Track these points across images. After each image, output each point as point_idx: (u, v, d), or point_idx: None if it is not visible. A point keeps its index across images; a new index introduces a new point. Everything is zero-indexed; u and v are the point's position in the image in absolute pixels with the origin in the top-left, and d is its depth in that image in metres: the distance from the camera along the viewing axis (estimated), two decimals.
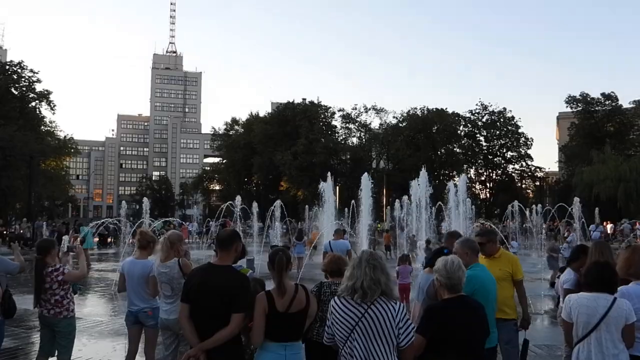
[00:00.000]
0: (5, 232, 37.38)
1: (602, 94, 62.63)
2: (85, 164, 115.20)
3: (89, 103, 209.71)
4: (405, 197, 28.05)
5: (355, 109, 70.02)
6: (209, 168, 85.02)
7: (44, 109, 57.85)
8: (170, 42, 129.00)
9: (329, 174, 29.93)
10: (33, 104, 57.26)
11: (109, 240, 36.50)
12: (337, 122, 71.43)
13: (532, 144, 69.23)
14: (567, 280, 6.07)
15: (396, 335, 3.64)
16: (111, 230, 37.17)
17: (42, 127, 58.06)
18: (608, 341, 4.46)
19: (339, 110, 70.35)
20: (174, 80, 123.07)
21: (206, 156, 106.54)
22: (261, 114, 75.04)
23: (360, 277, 3.68)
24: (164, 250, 6.03)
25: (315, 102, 70.71)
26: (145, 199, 27.93)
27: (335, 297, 3.81)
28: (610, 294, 4.56)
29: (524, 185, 71.18)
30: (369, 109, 69.63)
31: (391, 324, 3.63)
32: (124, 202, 36.03)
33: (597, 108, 62.81)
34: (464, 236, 5.87)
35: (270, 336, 4.35)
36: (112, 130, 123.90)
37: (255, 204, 28.05)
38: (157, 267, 6.04)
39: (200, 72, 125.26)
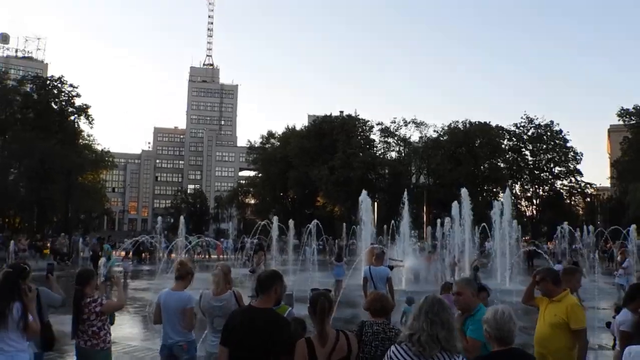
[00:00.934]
0: (43, 245, 37.14)
1: None
2: (121, 177, 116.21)
3: (126, 116, 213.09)
4: (447, 219, 27.23)
5: (394, 122, 68.87)
6: (244, 182, 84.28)
7: (82, 123, 58.69)
8: (207, 55, 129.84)
9: (364, 191, 29.23)
10: (72, 117, 58.01)
11: (144, 255, 35.68)
12: (375, 135, 70.28)
13: (581, 159, 66.41)
14: (624, 322, 5.85)
15: None
16: (146, 246, 36.53)
17: (80, 140, 58.82)
18: None
19: (378, 124, 69.26)
20: (210, 93, 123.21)
21: (241, 169, 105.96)
22: (298, 127, 74.38)
23: (418, 330, 3.57)
24: (218, 283, 6.00)
25: (353, 115, 69.67)
26: (181, 218, 27.41)
27: (396, 345, 3.74)
28: None
29: (573, 202, 68.27)
30: (409, 123, 68.28)
31: None
32: (159, 217, 35.55)
33: None
34: (465, 277, 6.06)
35: None
36: (149, 143, 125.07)
37: (291, 222, 27.95)
38: (209, 301, 5.99)
39: (237, 85, 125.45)
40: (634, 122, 59.90)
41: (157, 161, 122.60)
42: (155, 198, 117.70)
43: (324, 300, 4.30)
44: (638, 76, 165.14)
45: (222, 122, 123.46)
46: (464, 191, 26.54)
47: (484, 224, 27.36)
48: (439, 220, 29.70)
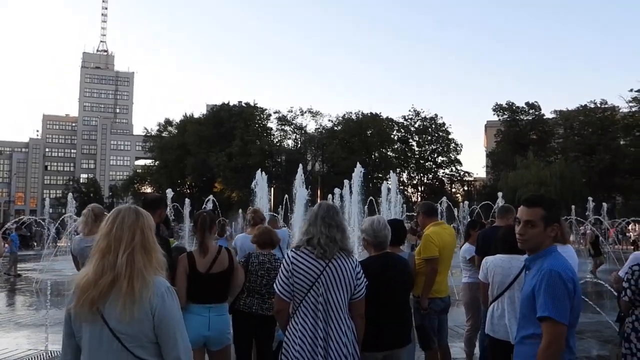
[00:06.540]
0: None
1: (527, 104, 64.80)
2: (6, 166, 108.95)
3: (12, 102, 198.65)
4: (337, 190, 27.03)
5: (291, 111, 69.88)
6: (140, 170, 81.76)
7: None
8: (101, 41, 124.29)
9: (259, 171, 28.20)
10: None
11: (31, 243, 33.72)
12: (272, 124, 71.05)
13: (461, 150, 70.55)
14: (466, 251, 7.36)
15: (353, 287, 3.70)
16: (34, 231, 35.51)
17: None
18: (520, 299, 4.63)
19: (275, 112, 70.06)
20: (104, 80, 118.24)
21: (138, 158, 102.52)
22: (196, 116, 73.19)
23: (316, 234, 3.65)
24: (87, 224, 5.83)
25: (252, 104, 69.78)
26: (70, 195, 26.83)
27: (294, 250, 3.70)
28: (524, 255, 4.72)
29: (453, 189, 71.96)
30: (305, 112, 69.77)
31: (350, 277, 3.67)
32: (47, 198, 34.27)
33: (521, 117, 65.04)
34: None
35: (193, 298, 4.36)
36: (37, 131, 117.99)
37: (187, 201, 27.18)
38: (79, 243, 5.79)
39: (133, 72, 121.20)
40: (506, 116, 65.06)
41: (47, 150, 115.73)
42: (45, 188, 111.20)
43: (205, 215, 4.56)
44: (512, 76, 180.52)
45: (117, 110, 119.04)
46: (357, 168, 25.05)
47: (372, 197, 27.03)
48: (330, 196, 29.13)
